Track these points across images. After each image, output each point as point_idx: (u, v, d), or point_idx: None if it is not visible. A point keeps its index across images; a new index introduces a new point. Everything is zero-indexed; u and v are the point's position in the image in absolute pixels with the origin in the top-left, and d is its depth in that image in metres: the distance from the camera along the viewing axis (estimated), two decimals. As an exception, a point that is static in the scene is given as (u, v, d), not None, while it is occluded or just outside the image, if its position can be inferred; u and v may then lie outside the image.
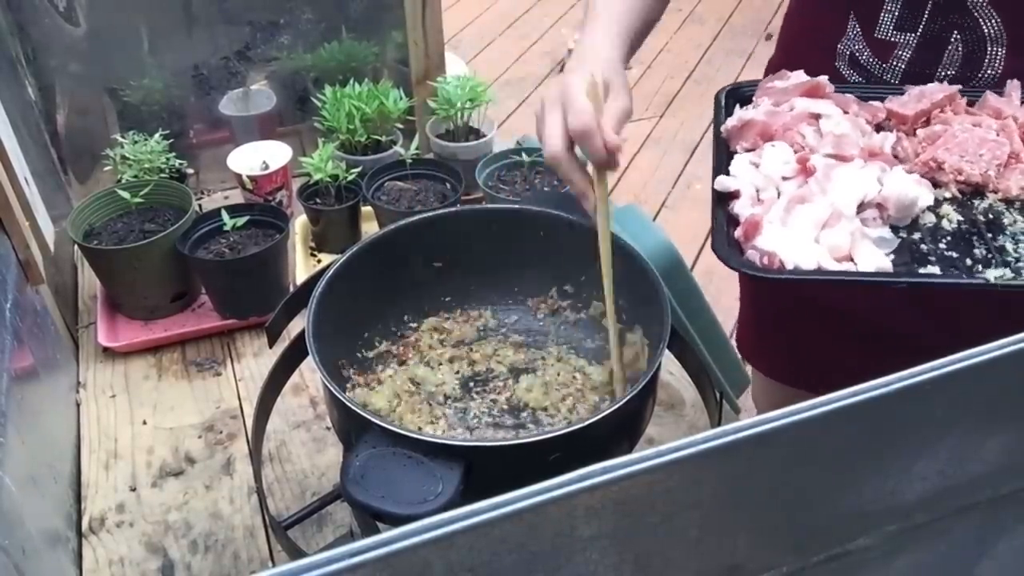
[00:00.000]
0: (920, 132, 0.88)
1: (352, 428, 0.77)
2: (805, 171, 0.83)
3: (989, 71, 0.92)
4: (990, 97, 0.89)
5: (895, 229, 0.81)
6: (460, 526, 0.35)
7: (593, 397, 0.92)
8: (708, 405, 0.93)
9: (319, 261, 1.38)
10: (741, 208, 0.81)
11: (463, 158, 1.44)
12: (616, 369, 0.90)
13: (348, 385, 0.92)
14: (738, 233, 0.79)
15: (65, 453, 1.08)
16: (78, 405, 1.17)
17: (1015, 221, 0.81)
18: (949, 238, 0.80)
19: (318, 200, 1.35)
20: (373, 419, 0.73)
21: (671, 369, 1.13)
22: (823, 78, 0.92)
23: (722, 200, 0.83)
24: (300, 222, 1.41)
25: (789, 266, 0.75)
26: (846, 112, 0.90)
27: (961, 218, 0.82)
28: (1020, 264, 0.76)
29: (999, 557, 0.59)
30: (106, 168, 1.36)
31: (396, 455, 0.71)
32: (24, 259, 1.09)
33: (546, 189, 1.34)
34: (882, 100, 0.92)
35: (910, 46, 0.93)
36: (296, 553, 0.82)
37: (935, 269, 0.76)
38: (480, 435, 0.88)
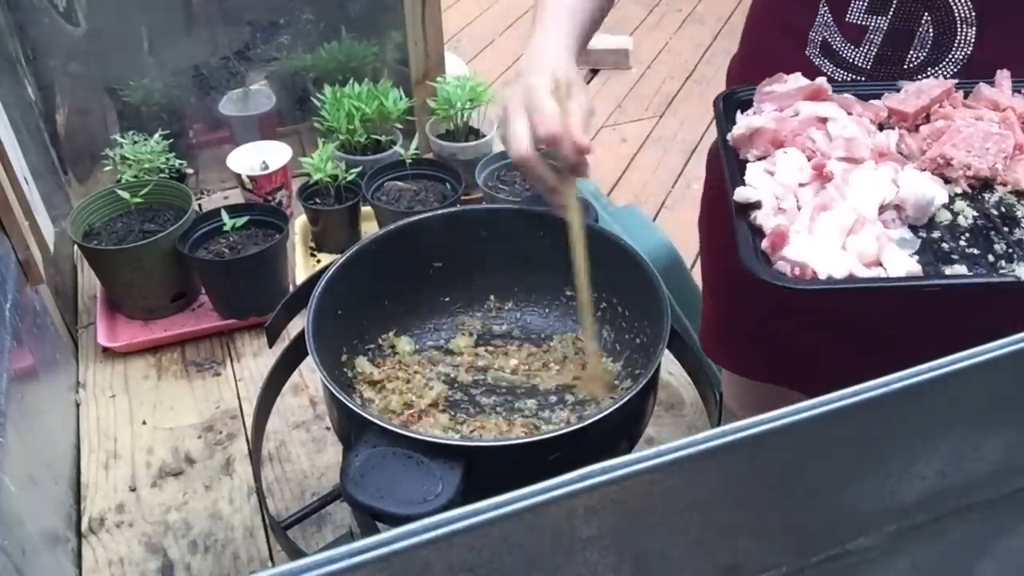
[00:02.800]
0: (923, 129, 0.87)
1: (352, 428, 0.77)
2: (821, 177, 0.82)
3: (959, 52, 0.91)
4: (984, 89, 0.88)
5: (914, 229, 0.80)
6: (460, 526, 0.35)
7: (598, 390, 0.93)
8: (708, 405, 0.93)
9: (319, 261, 1.38)
10: (764, 218, 0.79)
11: (463, 158, 1.44)
12: (593, 364, 0.90)
13: (348, 385, 0.92)
14: (764, 244, 0.77)
15: (65, 453, 1.08)
16: (78, 405, 1.17)
17: None
18: (968, 235, 0.79)
19: (318, 200, 1.35)
20: (373, 419, 0.73)
21: (671, 369, 1.13)
22: (822, 80, 0.91)
23: (741, 211, 0.81)
24: (300, 222, 1.41)
25: (822, 275, 0.74)
26: (850, 113, 0.89)
27: (976, 213, 0.81)
28: None
29: (999, 557, 0.59)
30: (106, 168, 1.36)
31: (396, 455, 0.71)
32: (24, 259, 1.09)
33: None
34: (878, 98, 0.91)
35: (881, 29, 0.93)
36: (296, 553, 0.82)
37: (961, 267, 0.75)
38: (480, 433, 0.88)
